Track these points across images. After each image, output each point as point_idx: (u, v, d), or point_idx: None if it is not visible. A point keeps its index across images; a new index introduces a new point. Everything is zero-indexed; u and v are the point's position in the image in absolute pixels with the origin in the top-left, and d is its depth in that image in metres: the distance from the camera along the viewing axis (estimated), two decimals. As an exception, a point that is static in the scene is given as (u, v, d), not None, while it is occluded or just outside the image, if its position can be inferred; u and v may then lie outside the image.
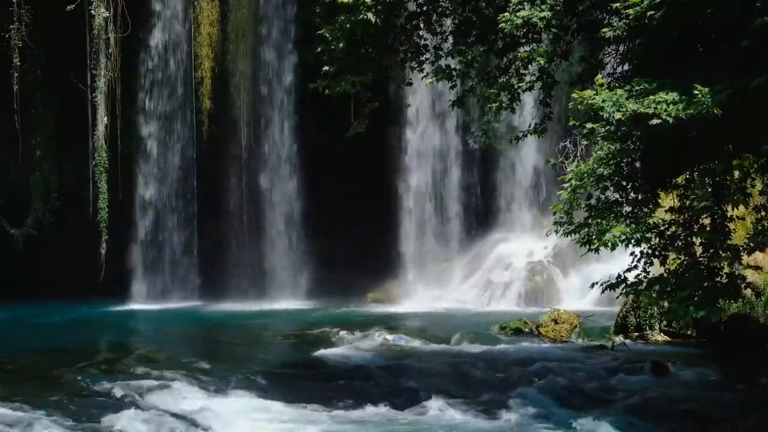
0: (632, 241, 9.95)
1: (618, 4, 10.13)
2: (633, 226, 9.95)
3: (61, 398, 12.67)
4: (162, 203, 30.92)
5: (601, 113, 9.67)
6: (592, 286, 11.37)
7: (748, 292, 16.19)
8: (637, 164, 10.20)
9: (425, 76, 13.31)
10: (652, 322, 18.09)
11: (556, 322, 19.18)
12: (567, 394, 13.35)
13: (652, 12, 9.61)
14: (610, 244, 9.89)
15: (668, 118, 9.11)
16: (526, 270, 26.61)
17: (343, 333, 19.41)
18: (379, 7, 12.10)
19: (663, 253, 10.64)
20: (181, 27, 30.56)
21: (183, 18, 30.51)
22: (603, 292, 11.18)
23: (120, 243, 29.61)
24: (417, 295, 27.46)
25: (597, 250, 10.26)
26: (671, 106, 9.12)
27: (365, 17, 12.03)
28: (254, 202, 30.41)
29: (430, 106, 29.12)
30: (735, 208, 10.07)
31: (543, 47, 11.61)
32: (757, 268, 17.04)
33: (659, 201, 10.59)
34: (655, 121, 9.17)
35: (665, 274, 10.65)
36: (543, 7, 10.96)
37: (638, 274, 10.88)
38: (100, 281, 28.32)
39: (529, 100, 15.36)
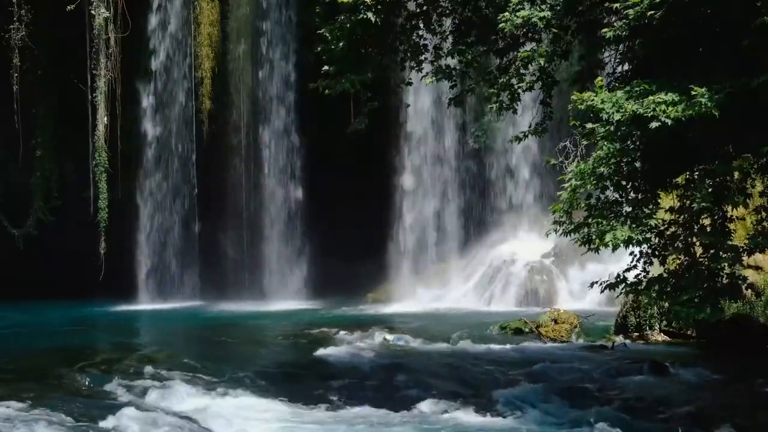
0: (633, 242, 9.96)
1: (618, 4, 10.13)
2: (634, 227, 9.95)
3: (61, 398, 12.65)
4: (162, 203, 30.95)
5: (601, 114, 9.68)
6: (592, 285, 11.37)
7: (749, 292, 16.23)
8: (637, 164, 10.20)
9: (425, 76, 13.31)
10: (652, 322, 18.08)
11: (556, 322, 19.17)
12: (567, 394, 13.33)
13: (652, 12, 9.61)
14: (610, 245, 9.89)
15: (667, 120, 9.12)
16: (526, 270, 26.61)
17: (343, 333, 19.41)
18: (379, 7, 12.10)
19: (663, 253, 10.64)
20: (181, 27, 30.57)
21: (183, 18, 30.52)
22: (602, 291, 11.19)
23: (120, 243, 29.63)
24: (417, 295, 27.46)
25: (597, 249, 10.26)
26: (670, 108, 9.13)
27: (365, 17, 12.04)
28: (254, 202, 30.43)
29: (430, 106, 29.12)
30: (735, 209, 10.06)
31: (543, 47, 11.61)
32: (758, 268, 17.10)
33: (659, 201, 10.59)
34: (654, 124, 9.17)
35: (665, 274, 10.65)
36: (543, 7, 10.97)
37: (638, 274, 10.89)
38: (100, 281, 28.37)
39: (528, 100, 15.36)
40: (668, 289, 10.50)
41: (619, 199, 10.43)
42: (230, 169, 30.71)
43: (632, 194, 10.49)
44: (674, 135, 9.41)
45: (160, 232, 30.98)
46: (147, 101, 30.70)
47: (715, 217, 10.18)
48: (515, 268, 26.91)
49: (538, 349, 17.58)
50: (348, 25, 12.23)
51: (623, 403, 12.81)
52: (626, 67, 11.33)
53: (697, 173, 10.29)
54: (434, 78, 13.05)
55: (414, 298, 27.20)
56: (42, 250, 29.60)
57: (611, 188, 10.29)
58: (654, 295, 10.71)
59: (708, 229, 10.17)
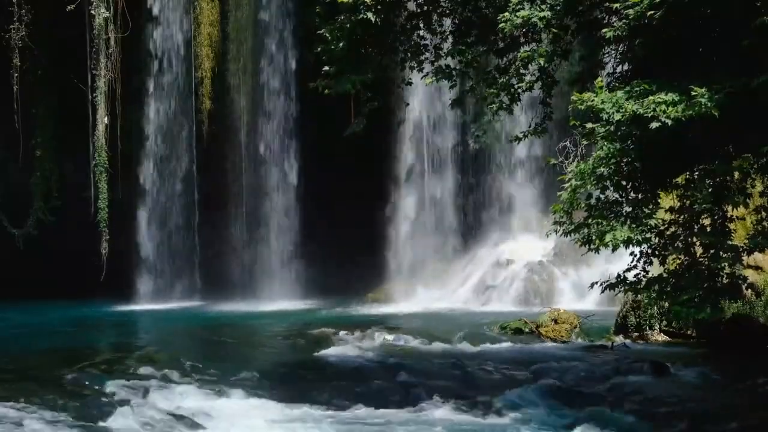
0: (633, 242, 9.96)
1: (618, 4, 10.14)
2: (633, 227, 9.95)
3: (61, 398, 12.65)
4: (162, 203, 30.95)
5: (601, 114, 9.68)
6: (592, 285, 11.38)
7: (749, 292, 16.23)
8: (637, 164, 10.20)
9: (425, 76, 13.31)
10: (652, 322, 18.08)
11: (556, 322, 19.17)
12: (567, 394, 13.34)
13: (652, 12, 9.62)
14: (610, 245, 9.90)
15: (667, 121, 9.12)
16: (525, 270, 26.60)
17: (343, 333, 19.39)
18: (379, 7, 12.10)
19: (663, 253, 10.64)
20: (181, 27, 30.57)
21: (183, 18, 30.53)
22: (602, 291, 11.20)
23: (120, 243, 29.63)
24: (417, 295, 27.45)
25: (597, 250, 10.27)
26: (670, 108, 9.13)
27: (365, 17, 12.03)
28: (254, 202, 30.42)
29: (429, 106, 29.12)
30: (735, 209, 10.07)
31: (543, 47, 11.62)
32: (758, 268, 17.11)
33: (659, 201, 10.59)
34: (654, 124, 9.17)
35: (665, 274, 10.66)
36: (543, 7, 10.97)
37: (637, 274, 10.90)
38: (100, 281, 28.37)
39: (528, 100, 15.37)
40: (668, 289, 10.50)
41: (619, 199, 10.43)
42: (230, 169, 30.71)
43: (632, 194, 10.49)
44: (674, 135, 9.41)
45: (160, 232, 30.97)
46: (147, 101, 30.69)
47: (715, 217, 10.18)
48: (515, 268, 26.90)
49: (538, 349, 17.58)
50: (348, 25, 12.22)
51: (623, 403, 12.80)
52: (626, 67, 11.33)
53: (697, 173, 10.29)
54: (434, 78, 13.05)
55: (414, 298, 27.18)
56: (42, 250, 29.61)
57: (611, 188, 10.29)
58: (654, 295, 10.72)
59: (708, 229, 10.17)
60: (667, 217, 10.62)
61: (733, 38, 9.42)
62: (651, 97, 9.32)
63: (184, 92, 30.70)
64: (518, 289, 26.26)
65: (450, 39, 13.30)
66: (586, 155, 10.81)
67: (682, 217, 10.52)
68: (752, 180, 10.30)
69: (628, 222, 10.07)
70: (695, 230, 10.33)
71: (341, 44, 12.35)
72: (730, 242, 10.05)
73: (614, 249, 9.96)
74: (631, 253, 10.76)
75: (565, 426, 11.65)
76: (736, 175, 9.85)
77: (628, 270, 10.97)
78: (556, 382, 14.02)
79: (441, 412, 12.51)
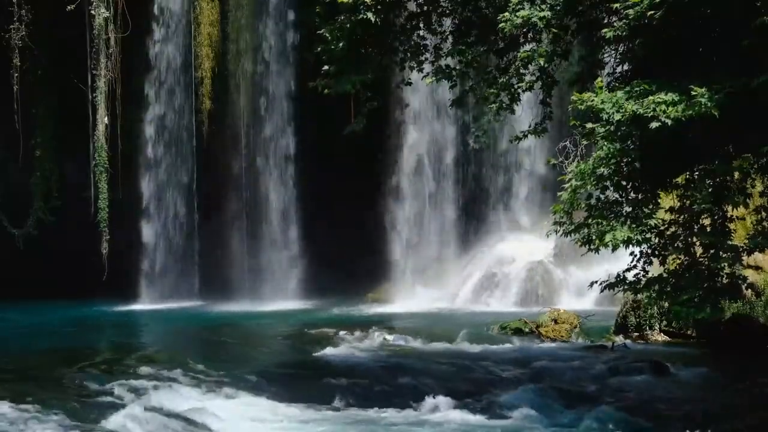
0: (633, 242, 9.96)
1: (618, 4, 10.14)
2: (633, 227, 9.95)
3: (61, 398, 12.66)
4: (162, 203, 30.93)
5: (601, 114, 9.69)
6: (592, 285, 11.39)
7: (749, 292, 16.24)
8: (637, 164, 10.20)
9: (425, 76, 13.32)
10: (652, 322, 18.10)
11: (556, 322, 19.18)
12: (567, 394, 13.35)
13: (652, 12, 9.62)
14: (610, 245, 9.90)
15: (667, 120, 9.12)
16: (525, 270, 26.59)
17: (342, 333, 19.41)
18: (379, 7, 12.12)
19: (663, 253, 10.65)
20: (181, 27, 30.56)
21: (183, 18, 30.52)
22: (602, 291, 11.21)
23: (120, 243, 29.62)
24: (417, 295, 27.45)
25: (597, 250, 10.27)
26: (670, 108, 9.13)
27: (365, 17, 12.05)
28: (254, 202, 30.41)
29: (429, 106, 29.11)
30: (735, 209, 10.07)
31: (543, 47, 11.62)
32: (758, 268, 17.12)
33: (659, 201, 10.59)
34: (654, 124, 9.18)
35: (665, 274, 10.66)
36: (543, 6, 10.98)
37: (637, 274, 10.90)
38: (100, 282, 28.36)
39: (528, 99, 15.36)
40: (668, 289, 10.51)
41: (619, 199, 10.44)
42: (230, 169, 30.70)
43: (632, 194, 10.49)
44: (674, 135, 9.41)
45: (161, 232, 30.95)
46: (147, 101, 30.68)
47: (715, 217, 10.19)
48: (515, 268, 26.88)
49: (538, 349, 17.59)
50: (348, 25, 12.23)
51: (623, 403, 12.81)
52: (626, 67, 11.33)
53: (697, 173, 10.30)
54: (434, 78, 13.07)
55: (414, 298, 27.18)
56: (42, 250, 29.60)
57: (611, 188, 10.29)
58: (654, 295, 10.72)
59: (708, 229, 10.18)
60: (667, 217, 10.63)
61: (733, 38, 9.42)
62: (651, 97, 9.32)
63: (184, 92, 30.68)
64: (518, 289, 26.26)
65: (450, 39, 13.31)
66: (586, 155, 10.80)
67: (682, 217, 10.53)
68: (752, 180, 10.30)
69: (628, 222, 10.07)
70: (695, 230, 10.34)
71: (341, 44, 12.36)
72: (730, 242, 10.06)
73: (614, 249, 9.97)
74: (631, 253, 10.76)
75: (565, 426, 11.65)
76: (736, 175, 9.86)
77: (628, 270, 10.98)
78: (556, 382, 14.02)
79: (441, 412, 12.52)
